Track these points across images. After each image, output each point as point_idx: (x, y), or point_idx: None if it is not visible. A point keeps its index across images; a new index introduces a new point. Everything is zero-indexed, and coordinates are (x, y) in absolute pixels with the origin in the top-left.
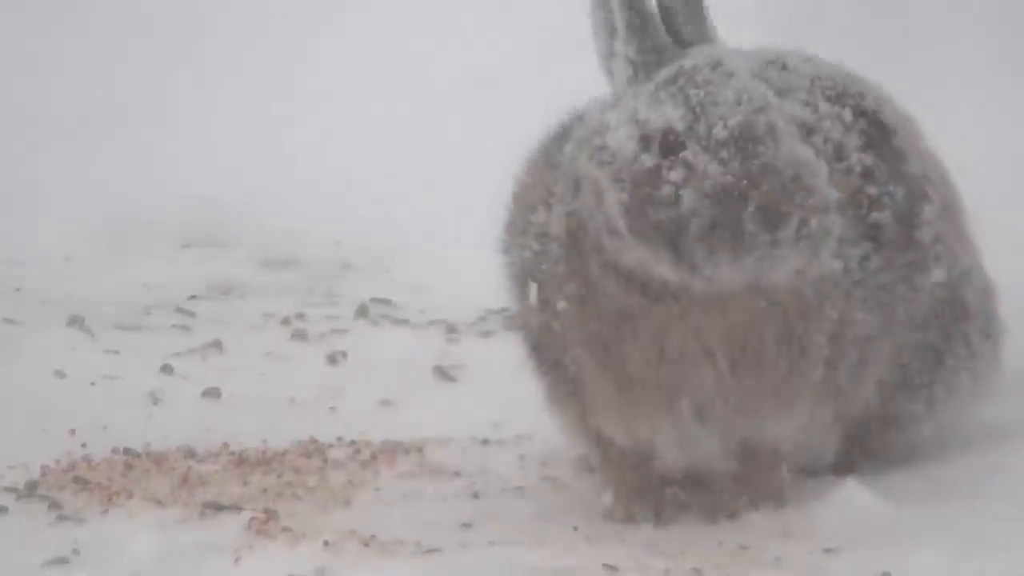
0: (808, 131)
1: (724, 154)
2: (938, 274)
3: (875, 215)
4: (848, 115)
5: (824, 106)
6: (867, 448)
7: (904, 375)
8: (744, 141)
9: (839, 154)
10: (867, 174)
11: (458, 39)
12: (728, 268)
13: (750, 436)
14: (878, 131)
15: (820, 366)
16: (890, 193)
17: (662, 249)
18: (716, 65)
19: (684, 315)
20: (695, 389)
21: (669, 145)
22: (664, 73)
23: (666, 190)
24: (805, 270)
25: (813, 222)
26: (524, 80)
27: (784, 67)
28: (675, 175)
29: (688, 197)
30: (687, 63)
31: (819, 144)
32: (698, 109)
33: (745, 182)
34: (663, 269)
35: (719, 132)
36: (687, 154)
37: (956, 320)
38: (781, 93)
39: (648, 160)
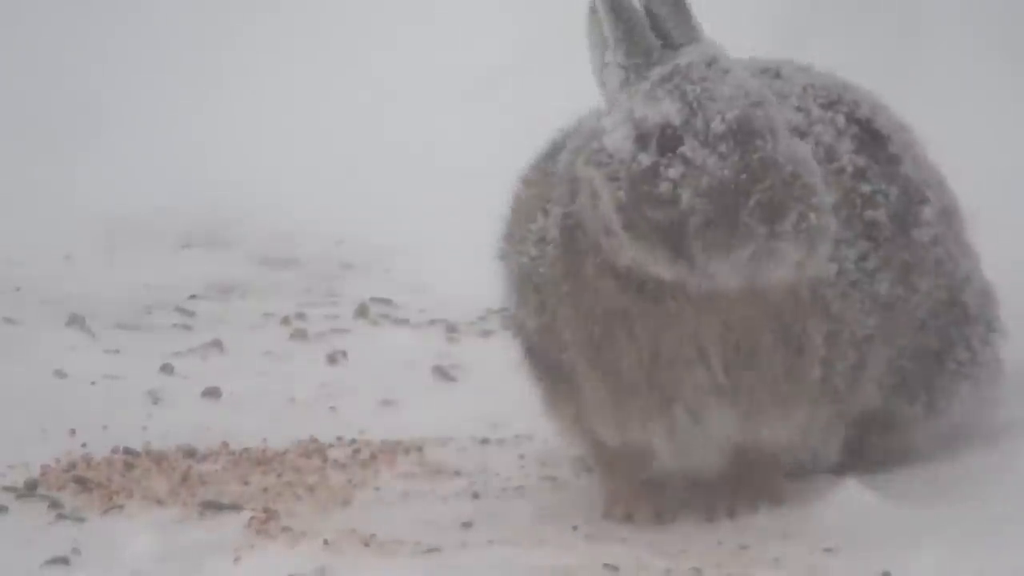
0: (799, 135)
1: (723, 148)
2: (937, 277)
3: (870, 213)
4: (841, 120)
5: (817, 111)
6: (866, 450)
7: (903, 377)
8: (742, 135)
9: (830, 156)
10: (859, 174)
11: (458, 40)
12: (726, 264)
13: (746, 439)
14: (871, 137)
15: (817, 367)
16: (884, 192)
17: (659, 247)
18: (712, 62)
19: (680, 315)
20: (689, 392)
21: (667, 141)
22: (659, 71)
23: (664, 187)
24: (803, 266)
25: (812, 217)
26: (524, 80)
27: (778, 75)
28: (673, 172)
29: (686, 193)
30: (682, 61)
31: (810, 147)
32: (695, 104)
33: (744, 176)
34: (660, 268)
35: (717, 126)
36: (685, 149)
37: (957, 324)
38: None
39: (645, 159)
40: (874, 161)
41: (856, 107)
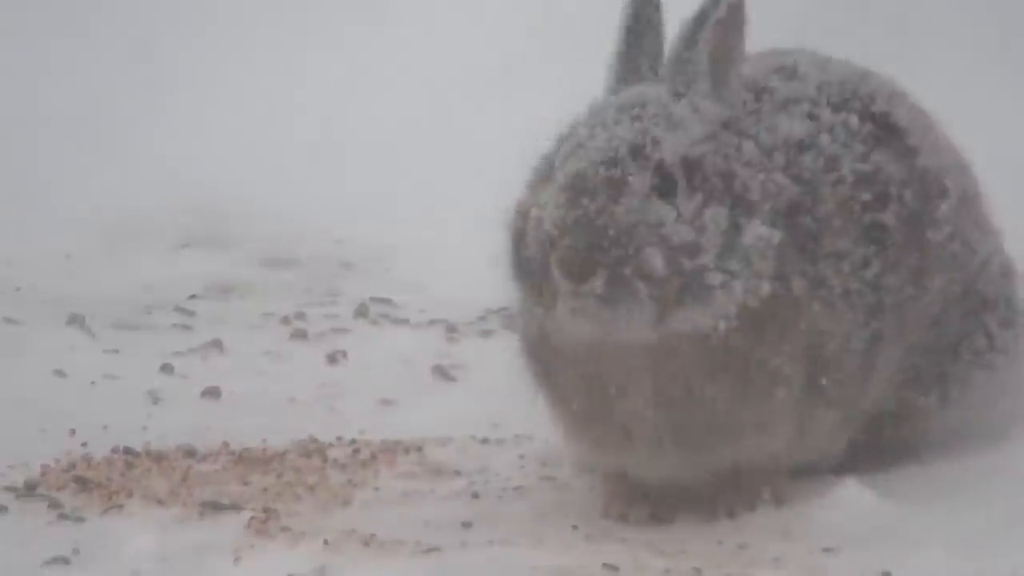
0: (801, 148)
1: (559, 200)
2: (951, 272)
3: (874, 217)
4: (854, 120)
5: (828, 116)
6: (879, 442)
7: (917, 372)
8: (572, 191)
9: (830, 167)
10: (863, 180)
11: (460, 39)
12: (553, 313)
13: (723, 459)
14: (888, 132)
15: (785, 387)
16: (897, 194)
17: (516, 287)
18: (625, 107)
19: (608, 353)
20: (642, 426)
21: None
22: (591, 106)
23: (520, 227)
24: (634, 325)
25: (631, 286)
26: (525, 80)
27: (793, 74)
28: (534, 212)
29: (529, 238)
30: (604, 100)
31: (807, 162)
32: (568, 150)
33: (557, 232)
34: (522, 308)
35: (561, 178)
36: (544, 194)
37: (973, 313)
38: (785, 104)
39: (528, 197)
40: (891, 158)
41: (871, 101)
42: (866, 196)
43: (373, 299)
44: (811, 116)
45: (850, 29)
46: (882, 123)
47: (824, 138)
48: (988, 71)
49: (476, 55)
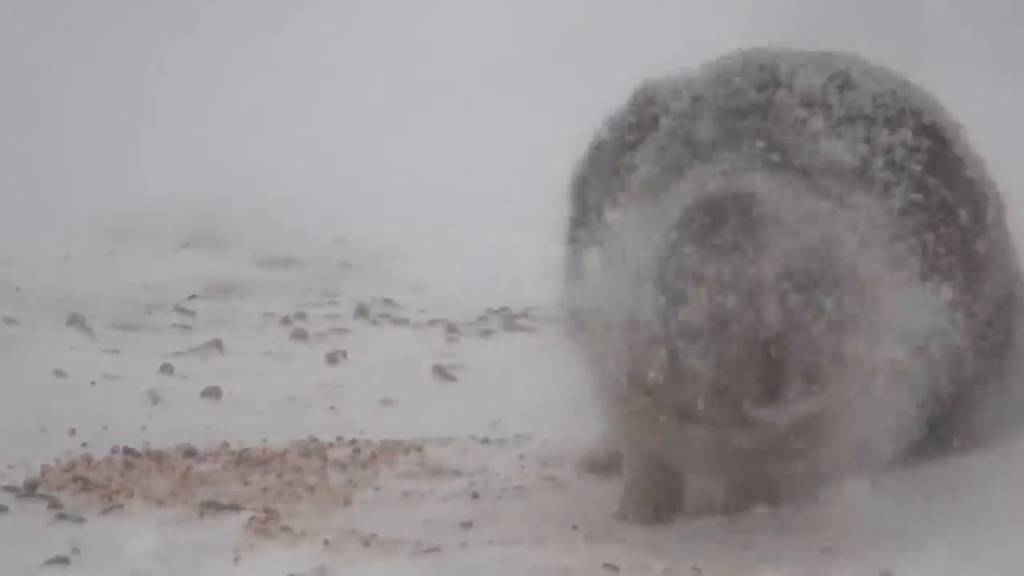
0: (848, 173)
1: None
2: (1000, 276)
3: (917, 240)
4: (910, 137)
5: (883, 137)
6: (947, 435)
7: (981, 366)
8: None
9: (881, 192)
10: (910, 209)
11: (460, 38)
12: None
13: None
14: (940, 146)
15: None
16: (946, 219)
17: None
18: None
19: None
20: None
21: None
22: None
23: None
24: None
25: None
26: (526, 81)
27: (848, 83)
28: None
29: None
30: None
31: (850, 184)
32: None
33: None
34: None
35: None
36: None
37: (1014, 313)
38: (841, 122)
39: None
40: (945, 176)
41: (920, 115)
42: (909, 224)
43: (373, 299)
44: (866, 140)
45: (851, 31)
46: (934, 136)
47: (877, 162)
48: (991, 71)
49: (478, 57)
